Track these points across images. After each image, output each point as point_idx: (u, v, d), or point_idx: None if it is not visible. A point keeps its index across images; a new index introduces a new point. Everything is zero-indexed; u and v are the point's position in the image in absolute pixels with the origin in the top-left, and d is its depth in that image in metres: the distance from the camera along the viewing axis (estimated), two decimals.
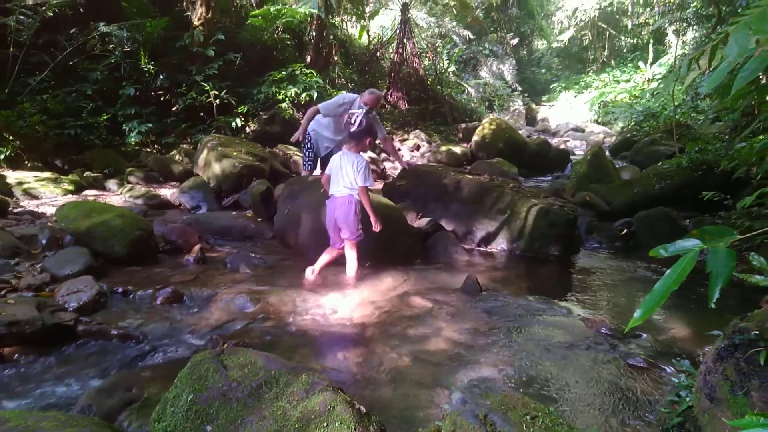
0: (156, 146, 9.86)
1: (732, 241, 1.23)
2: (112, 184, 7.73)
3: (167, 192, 7.43)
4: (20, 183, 7.23)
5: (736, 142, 5.26)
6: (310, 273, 4.40)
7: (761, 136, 4.49)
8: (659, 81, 17.63)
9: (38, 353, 3.00)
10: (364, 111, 5.46)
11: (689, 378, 2.15)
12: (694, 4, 15.74)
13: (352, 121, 4.29)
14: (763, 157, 4.40)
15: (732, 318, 2.03)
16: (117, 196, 7.16)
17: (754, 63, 1.52)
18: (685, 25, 16.96)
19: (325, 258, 4.42)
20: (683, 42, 19.66)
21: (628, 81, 22.43)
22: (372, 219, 4.20)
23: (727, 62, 1.52)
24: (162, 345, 3.18)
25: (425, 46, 18.09)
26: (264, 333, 3.38)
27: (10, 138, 7.96)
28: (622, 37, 25.84)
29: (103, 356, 3.02)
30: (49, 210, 5.83)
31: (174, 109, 10.15)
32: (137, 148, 9.42)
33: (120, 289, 3.97)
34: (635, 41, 25.42)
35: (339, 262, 4.48)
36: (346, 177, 4.22)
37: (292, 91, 10.78)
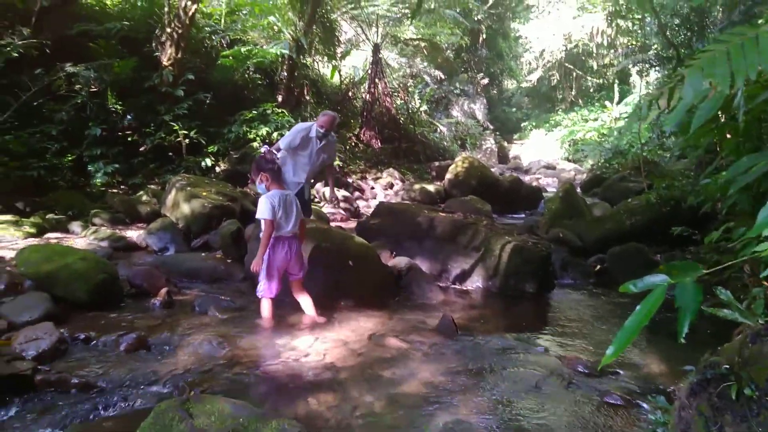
0: (122, 187, 9.67)
1: (699, 276, 1.22)
2: (75, 226, 7.50)
3: (134, 234, 7.24)
4: None
5: (701, 178, 5.39)
6: (316, 317, 4.30)
7: (724, 173, 4.60)
8: (626, 119, 18.22)
9: None
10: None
11: (665, 414, 2.13)
12: (656, 46, 16.43)
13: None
14: (726, 192, 4.50)
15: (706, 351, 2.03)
16: (81, 238, 6.94)
17: (709, 103, 1.60)
18: (647, 66, 17.60)
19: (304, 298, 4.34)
20: (647, 82, 20.43)
21: (595, 120, 23.10)
22: (258, 254, 4.02)
23: (683, 103, 1.58)
24: (125, 394, 3.02)
25: (397, 86, 18.42)
26: (233, 379, 3.25)
27: None
28: (589, 78, 26.76)
29: (62, 408, 2.85)
30: (9, 254, 5.61)
31: (142, 149, 10.01)
32: (103, 189, 9.20)
33: (82, 336, 3.79)
34: (601, 81, 26.34)
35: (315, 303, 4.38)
36: (298, 214, 4.19)
37: (264, 130, 10.78)
